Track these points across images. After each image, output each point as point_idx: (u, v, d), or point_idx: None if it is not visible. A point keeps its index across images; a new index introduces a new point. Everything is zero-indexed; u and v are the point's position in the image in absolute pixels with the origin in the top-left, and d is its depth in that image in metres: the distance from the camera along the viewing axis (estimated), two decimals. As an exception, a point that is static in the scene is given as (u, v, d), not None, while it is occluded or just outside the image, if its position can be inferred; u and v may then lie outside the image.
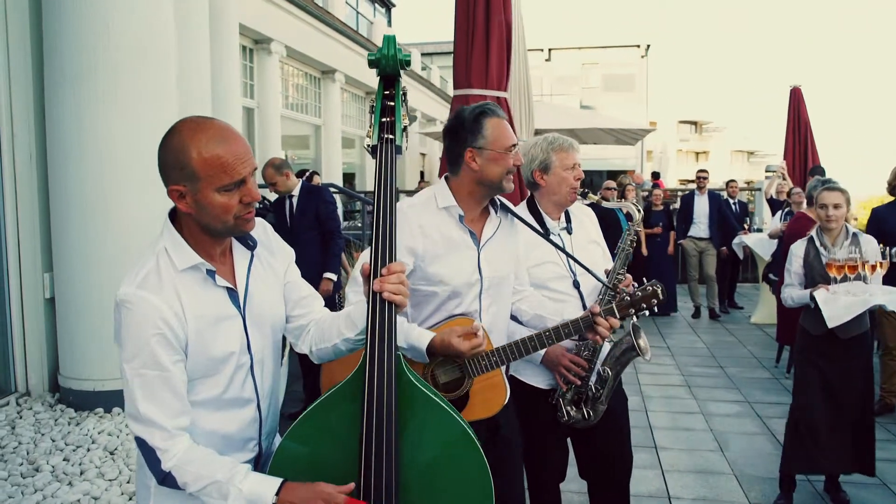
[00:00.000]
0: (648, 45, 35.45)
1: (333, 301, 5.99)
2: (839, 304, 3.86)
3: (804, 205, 7.32)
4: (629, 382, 6.86)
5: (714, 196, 10.63)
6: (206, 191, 1.71)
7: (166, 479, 1.73)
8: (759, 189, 14.90)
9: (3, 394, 4.40)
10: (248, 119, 14.13)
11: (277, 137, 14.30)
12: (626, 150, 28.90)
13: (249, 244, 1.92)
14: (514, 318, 2.85)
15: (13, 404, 4.31)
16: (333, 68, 16.98)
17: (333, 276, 5.80)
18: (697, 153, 53.86)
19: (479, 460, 1.86)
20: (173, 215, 1.84)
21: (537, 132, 8.74)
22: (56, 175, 4.30)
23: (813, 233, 4.23)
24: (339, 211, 15.82)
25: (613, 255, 3.08)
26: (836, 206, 4.07)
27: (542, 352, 2.99)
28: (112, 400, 4.19)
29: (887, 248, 4.24)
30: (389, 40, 1.93)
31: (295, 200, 6.02)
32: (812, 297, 3.98)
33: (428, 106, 25.55)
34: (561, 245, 3.00)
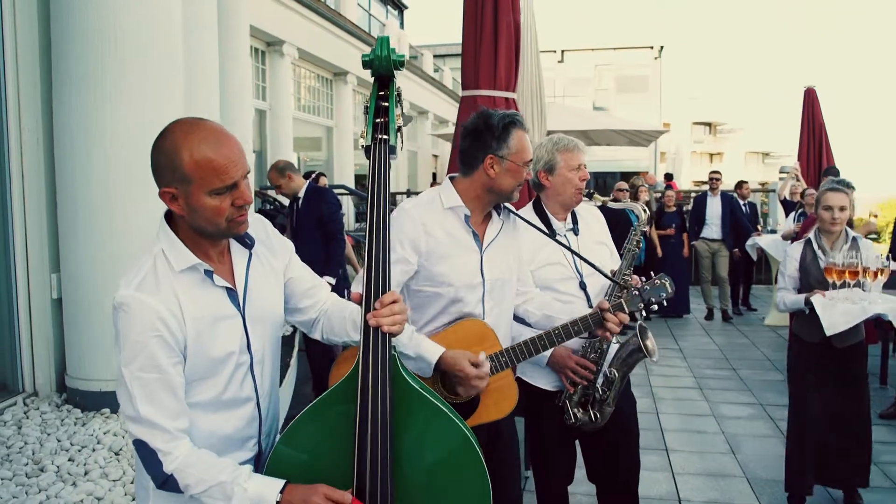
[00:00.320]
0: (662, 47, 35.35)
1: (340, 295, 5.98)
2: (837, 312, 3.69)
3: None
4: (640, 384, 6.81)
5: (727, 197, 10.56)
6: (197, 194, 1.69)
7: (167, 483, 1.71)
8: (773, 190, 14.80)
9: (11, 394, 4.42)
10: (260, 121, 14.17)
11: (289, 139, 14.33)
12: (640, 152, 28.85)
13: (247, 242, 1.90)
14: (520, 320, 2.82)
15: (20, 404, 4.31)
16: (345, 70, 17.00)
17: (332, 280, 5.73)
18: (712, 154, 53.60)
19: (477, 460, 1.84)
20: (169, 217, 1.82)
21: (550, 134, 8.73)
22: (63, 176, 4.31)
23: (811, 235, 4.05)
24: (351, 213, 15.88)
25: (621, 256, 3.06)
26: (841, 209, 3.87)
27: (549, 354, 2.97)
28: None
29: (890, 255, 4.04)
30: (383, 41, 1.92)
31: (301, 202, 6.04)
32: (807, 303, 3.82)
33: (440, 107, 25.55)
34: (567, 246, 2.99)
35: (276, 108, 14.17)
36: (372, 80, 2.00)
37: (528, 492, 4.19)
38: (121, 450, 3.73)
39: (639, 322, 2.93)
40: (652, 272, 2.81)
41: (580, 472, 3.27)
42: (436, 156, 26.65)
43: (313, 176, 8.69)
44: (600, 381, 2.99)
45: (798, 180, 10.50)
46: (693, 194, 14.17)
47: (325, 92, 17.20)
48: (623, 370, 2.98)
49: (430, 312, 2.54)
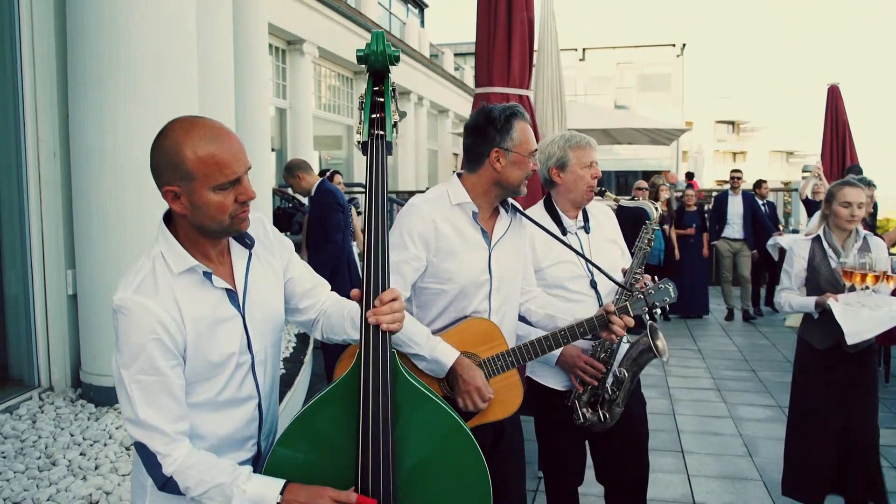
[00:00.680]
0: (684, 44, 35.09)
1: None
2: (861, 319, 3.40)
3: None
4: (658, 385, 6.76)
5: (748, 196, 10.42)
6: (201, 190, 1.69)
7: (167, 485, 1.71)
8: (796, 189, 14.63)
9: (27, 388, 4.46)
10: (280, 119, 14.25)
11: (309, 138, 14.39)
12: (662, 151, 28.70)
13: (247, 243, 1.89)
14: (522, 318, 2.80)
15: (36, 399, 4.36)
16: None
17: None
18: (735, 153, 53.15)
19: (477, 458, 1.83)
20: (168, 219, 1.82)
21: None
22: (78, 174, 4.34)
23: (820, 232, 3.80)
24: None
25: (632, 255, 3.02)
26: (859, 206, 3.63)
27: (558, 353, 2.96)
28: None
29: None
30: (378, 36, 1.91)
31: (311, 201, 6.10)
32: (818, 306, 3.59)
33: (461, 106, 25.54)
34: (577, 245, 2.97)
35: (296, 106, 14.23)
36: (368, 75, 1.99)
37: (543, 492, 4.17)
38: (132, 445, 3.76)
39: (649, 322, 2.90)
40: (655, 276, 2.78)
41: (592, 472, 3.25)
42: (456, 154, 26.65)
43: (328, 174, 8.68)
44: (610, 381, 2.96)
45: (820, 179, 10.36)
46: (714, 193, 14.03)
47: (346, 90, 17.25)
48: (633, 370, 2.95)
49: (435, 310, 2.52)
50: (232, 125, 5.80)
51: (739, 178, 10.51)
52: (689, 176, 19.55)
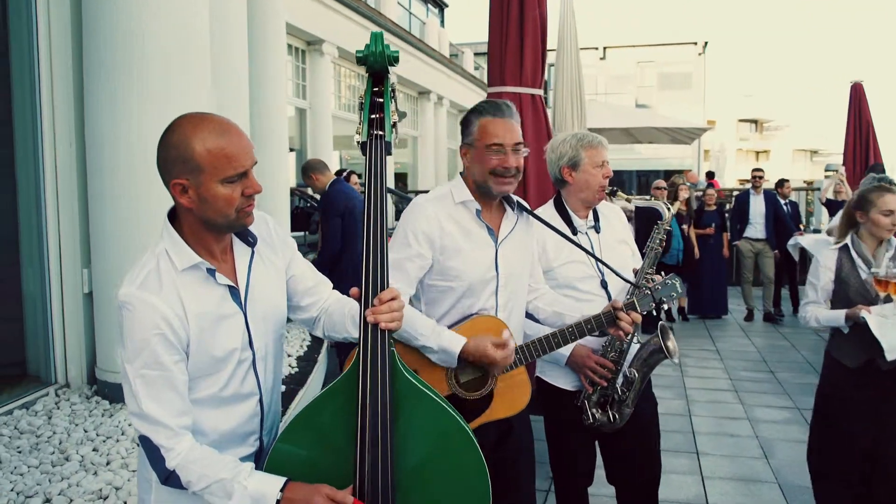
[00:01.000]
0: (706, 42, 34.76)
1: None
2: None
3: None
4: (674, 385, 6.72)
5: (770, 196, 10.27)
6: (209, 183, 1.71)
7: (170, 478, 1.73)
8: (818, 189, 14.47)
9: (44, 385, 4.53)
10: (300, 119, 14.31)
11: (329, 138, 14.44)
12: (683, 150, 28.51)
13: (250, 241, 1.91)
14: (530, 316, 2.79)
15: (52, 395, 4.42)
16: (385, 69, 17.05)
17: None
18: (758, 152, 52.64)
19: (477, 458, 1.83)
20: (172, 217, 1.84)
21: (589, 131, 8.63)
22: (93, 172, 4.40)
23: (848, 241, 3.49)
24: (391, 211, 15.92)
25: (643, 255, 3.00)
26: None
27: (568, 353, 2.95)
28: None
29: None
30: (377, 37, 1.92)
31: None
32: (849, 319, 3.30)
33: (481, 106, 25.46)
34: (587, 245, 2.95)
35: (315, 106, 14.28)
36: (366, 75, 2.00)
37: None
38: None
39: (660, 323, 2.88)
40: (663, 272, 2.76)
41: (603, 472, 3.23)
42: (476, 154, 26.59)
43: (344, 175, 8.70)
44: (620, 381, 2.95)
45: (842, 183, 10.17)
46: (735, 193, 13.90)
47: (365, 90, 17.27)
48: (643, 371, 2.94)
49: (443, 307, 2.53)
50: (246, 124, 5.83)
51: (761, 178, 10.36)
52: (710, 175, 19.43)
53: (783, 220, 10.19)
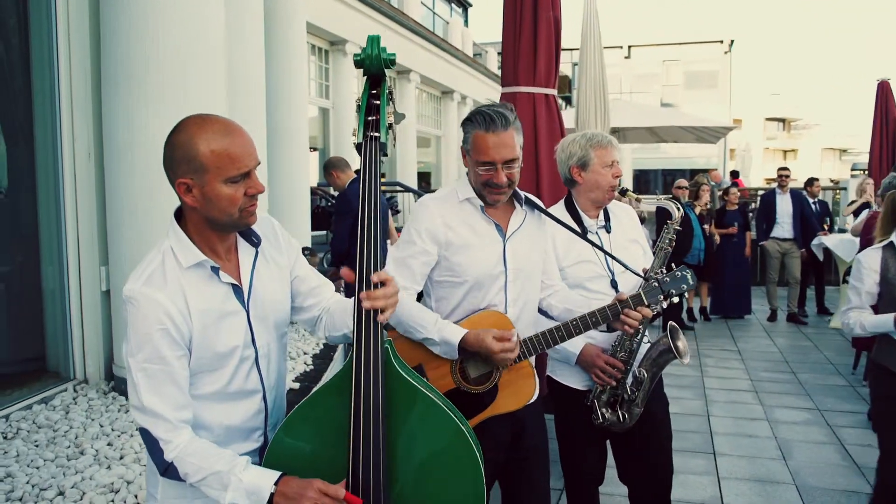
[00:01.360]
0: (732, 41, 34.42)
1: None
2: None
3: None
4: (694, 385, 6.67)
5: (797, 195, 10.10)
6: (213, 182, 1.75)
7: (168, 470, 1.77)
8: (845, 189, 14.27)
9: (63, 381, 4.61)
10: (323, 119, 14.40)
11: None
12: (709, 149, 28.27)
13: (254, 241, 1.94)
14: (543, 313, 2.79)
15: (70, 391, 4.49)
16: (409, 68, 17.12)
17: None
18: (785, 151, 52.00)
19: (470, 453, 1.84)
20: (178, 216, 1.88)
21: (614, 131, 8.57)
22: (110, 172, 4.47)
23: (893, 238, 3.28)
24: (410, 209, 15.96)
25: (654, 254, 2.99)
26: None
27: (578, 352, 2.94)
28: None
29: None
30: (373, 40, 1.95)
31: None
32: None
33: (504, 105, 25.42)
34: (598, 243, 2.94)
35: (338, 106, 14.37)
36: (364, 78, 2.04)
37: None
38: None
39: (670, 323, 2.87)
40: (674, 264, 2.74)
41: (615, 472, 3.22)
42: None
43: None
44: (629, 381, 2.94)
45: (866, 192, 9.93)
46: (760, 192, 13.74)
47: (388, 90, 17.33)
48: (653, 371, 2.92)
49: (452, 303, 2.55)
50: (262, 125, 5.89)
51: (787, 176, 10.23)
52: (734, 174, 19.25)
53: (809, 220, 10.04)
